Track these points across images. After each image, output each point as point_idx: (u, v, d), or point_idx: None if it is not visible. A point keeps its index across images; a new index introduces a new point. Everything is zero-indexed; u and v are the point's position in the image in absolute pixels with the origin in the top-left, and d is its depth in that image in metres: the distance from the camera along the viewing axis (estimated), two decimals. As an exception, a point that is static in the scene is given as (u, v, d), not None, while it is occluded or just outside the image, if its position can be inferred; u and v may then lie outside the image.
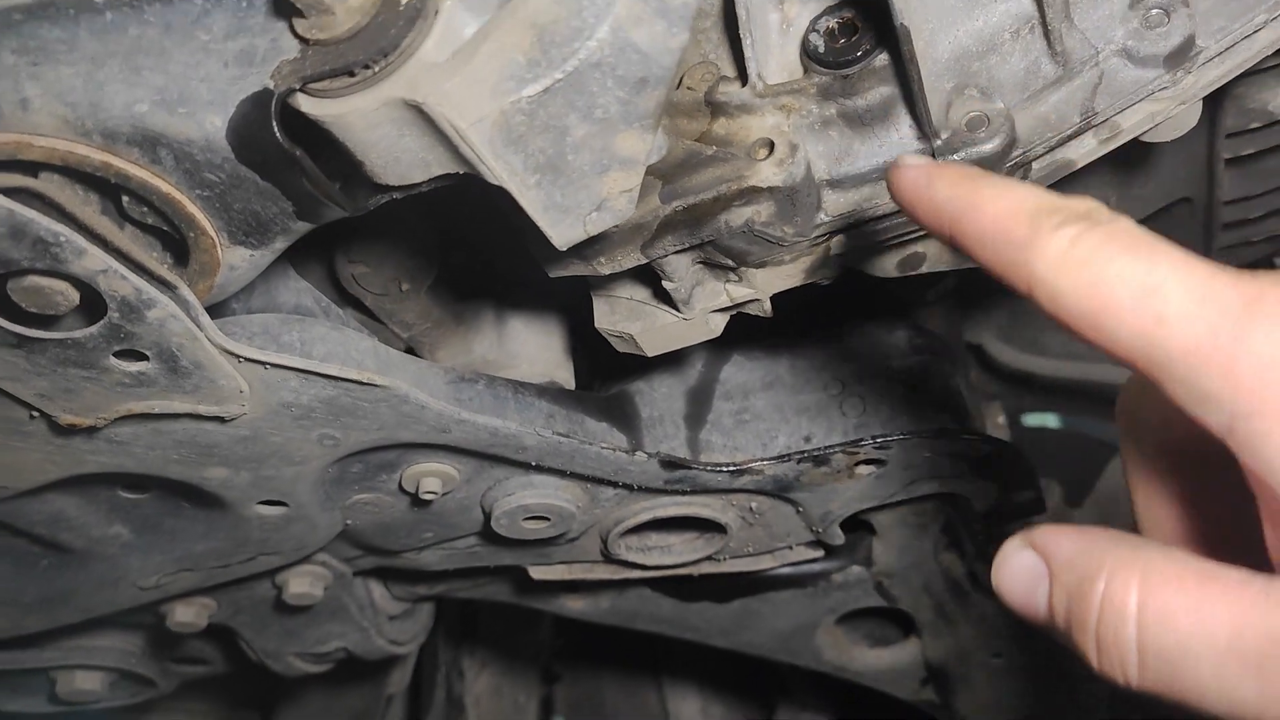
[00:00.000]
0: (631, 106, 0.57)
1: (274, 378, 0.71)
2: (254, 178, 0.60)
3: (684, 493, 0.92)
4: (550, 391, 0.89)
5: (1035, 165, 0.70)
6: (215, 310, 0.75)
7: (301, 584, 1.00)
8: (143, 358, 0.66)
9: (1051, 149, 0.69)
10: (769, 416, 0.94)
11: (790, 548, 1.02)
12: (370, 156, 0.57)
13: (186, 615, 1.03)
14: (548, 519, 0.91)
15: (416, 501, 0.87)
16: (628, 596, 1.12)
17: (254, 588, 1.02)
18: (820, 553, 1.03)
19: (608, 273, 0.73)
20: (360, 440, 0.79)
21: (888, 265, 0.80)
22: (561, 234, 0.62)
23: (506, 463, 0.85)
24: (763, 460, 0.89)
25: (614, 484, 0.89)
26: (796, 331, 0.99)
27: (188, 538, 0.90)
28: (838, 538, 1.00)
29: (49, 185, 0.59)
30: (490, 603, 1.19)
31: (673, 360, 0.98)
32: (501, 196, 0.60)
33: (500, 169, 0.57)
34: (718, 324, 0.81)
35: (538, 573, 1.03)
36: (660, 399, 0.95)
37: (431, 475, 0.85)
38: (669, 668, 1.64)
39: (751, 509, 0.95)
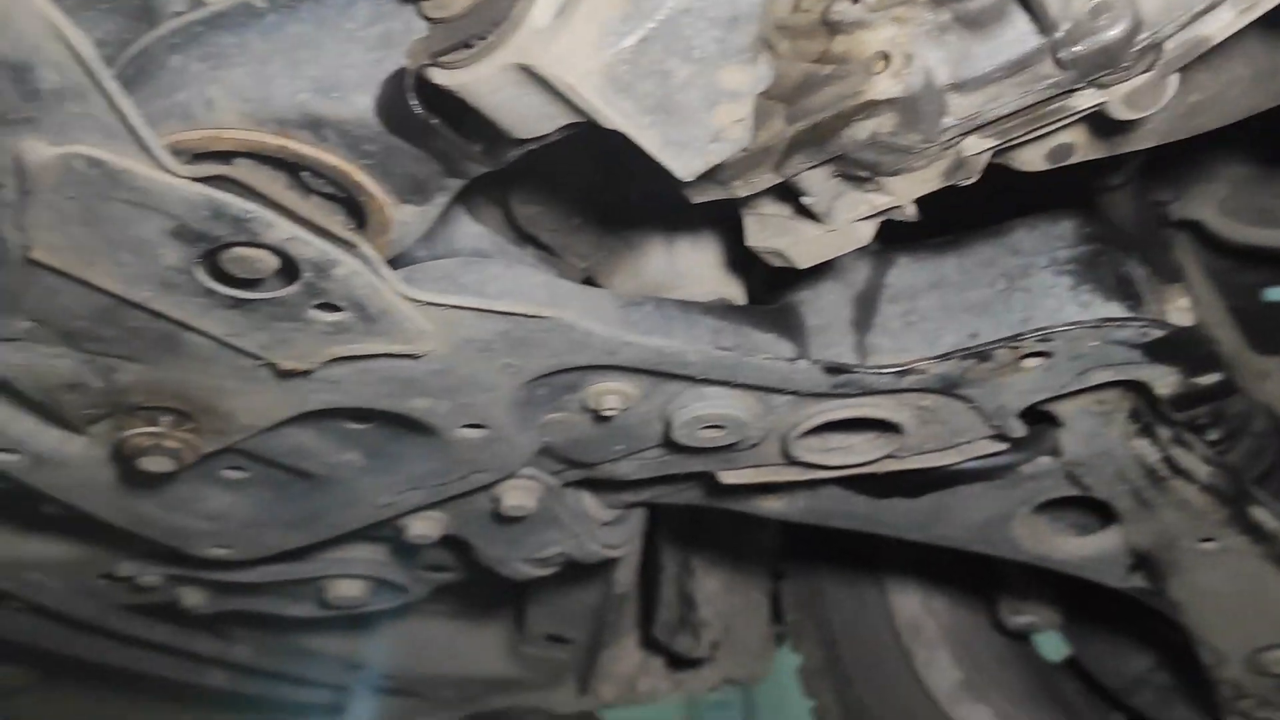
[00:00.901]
0: (727, 44, 0.60)
1: (453, 317, 0.80)
2: (405, 145, 0.68)
3: (852, 395, 0.95)
4: (717, 308, 0.94)
5: (1168, 46, 0.68)
6: (400, 260, 0.84)
7: (515, 497, 1.10)
8: (338, 309, 0.76)
9: (1183, 27, 0.67)
10: (935, 316, 0.95)
11: (971, 442, 1.04)
12: (500, 115, 0.64)
13: (421, 528, 1.16)
14: (723, 427, 0.96)
15: (600, 418, 0.95)
16: (820, 496, 1.16)
17: (475, 502, 1.14)
18: (1004, 445, 1.04)
19: (745, 194, 0.77)
20: (538, 366, 0.87)
21: (1034, 159, 0.80)
22: (683, 166, 0.67)
23: (676, 378, 0.91)
24: (924, 360, 0.91)
25: (782, 391, 0.94)
26: (964, 229, 1.00)
27: (409, 461, 1.02)
28: (1018, 430, 1.01)
29: (241, 170, 0.69)
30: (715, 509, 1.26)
31: (838, 268, 1.00)
32: (623, 139, 0.65)
33: (614, 115, 0.62)
34: (865, 232, 0.83)
35: (727, 477, 1.09)
36: (827, 307, 0.98)
37: (610, 393, 0.92)
38: (890, 563, 1.67)
39: (924, 407, 0.98)
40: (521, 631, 1.86)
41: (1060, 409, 1.02)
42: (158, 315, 0.76)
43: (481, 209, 0.97)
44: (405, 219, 0.76)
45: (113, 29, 0.74)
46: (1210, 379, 0.94)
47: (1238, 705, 1.26)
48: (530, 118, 0.64)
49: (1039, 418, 1.03)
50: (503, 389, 0.90)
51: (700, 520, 1.82)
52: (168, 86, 0.69)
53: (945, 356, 0.91)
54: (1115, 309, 0.90)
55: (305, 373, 0.83)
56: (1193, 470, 1.06)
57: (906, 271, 0.99)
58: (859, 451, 1.04)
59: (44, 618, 1.39)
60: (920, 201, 0.80)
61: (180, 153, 0.68)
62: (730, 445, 1.00)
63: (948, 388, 0.94)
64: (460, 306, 0.78)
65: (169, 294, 0.73)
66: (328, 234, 0.71)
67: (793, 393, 0.94)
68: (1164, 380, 0.94)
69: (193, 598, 1.38)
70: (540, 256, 1.01)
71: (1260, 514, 1.08)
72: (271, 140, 0.67)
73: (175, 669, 1.62)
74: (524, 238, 1.01)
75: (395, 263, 0.80)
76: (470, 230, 0.93)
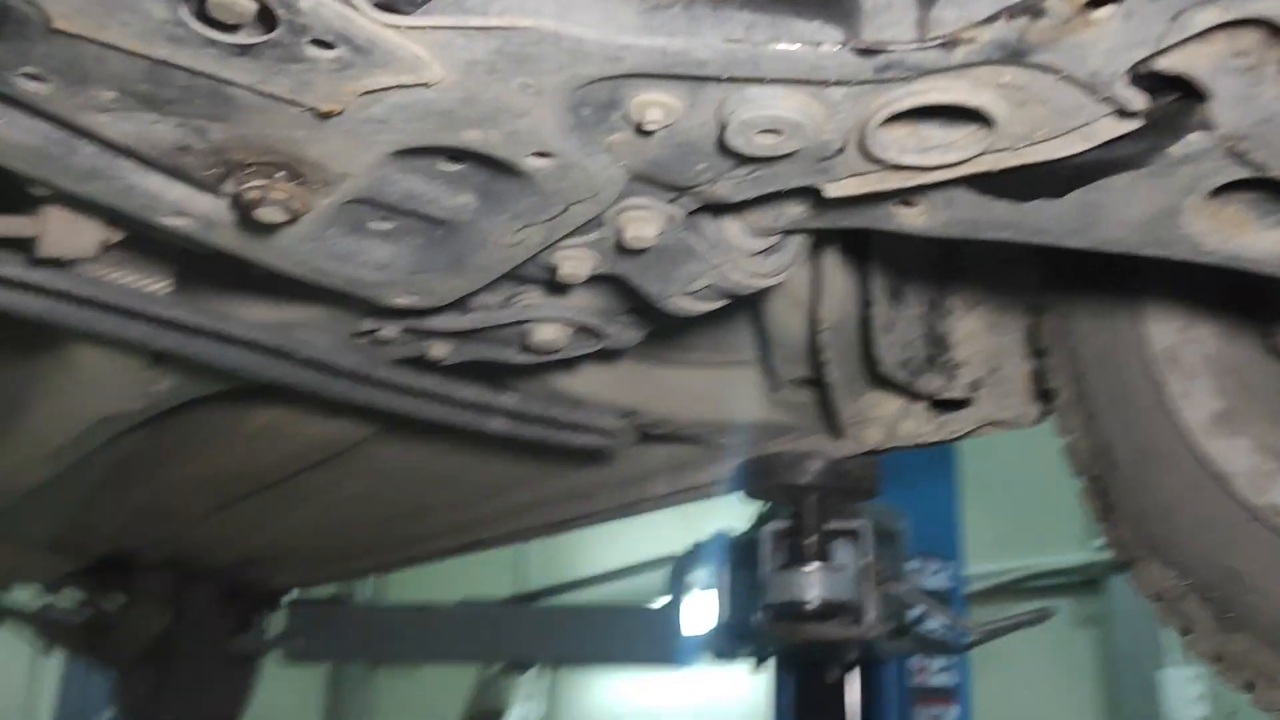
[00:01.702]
0: None
1: (442, 39, 0.82)
2: None
3: (910, 80, 0.86)
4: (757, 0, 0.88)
5: None
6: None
7: (633, 227, 1.12)
8: (330, 45, 0.81)
9: None
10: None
11: (1089, 124, 0.90)
12: None
13: (569, 268, 1.22)
14: (780, 132, 0.91)
15: (646, 132, 0.93)
16: (958, 204, 1.07)
17: (606, 238, 1.17)
18: (1135, 123, 0.90)
19: None
20: (554, 83, 0.87)
21: None
22: None
23: (707, 80, 0.87)
24: (968, 27, 0.80)
25: (828, 83, 0.87)
26: None
27: (511, 198, 1.06)
28: (1136, 101, 0.86)
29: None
30: (977, 243, 1.19)
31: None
32: None
33: None
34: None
35: (830, 190, 1.03)
36: (886, -22, 0.88)
37: (650, 104, 0.91)
38: (1148, 289, 1.50)
39: (1009, 84, 0.86)
40: (771, 378, 1.90)
41: (1193, 69, 0.86)
42: (190, 71, 0.84)
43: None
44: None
45: None
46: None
47: None
48: None
49: (1176, 85, 0.88)
50: (539, 111, 0.91)
51: (952, 256, 1.73)
52: None
53: (990, 19, 0.79)
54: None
55: (341, 113, 0.89)
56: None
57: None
58: (959, 147, 0.94)
59: (327, 373, 1.61)
60: None
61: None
62: (805, 151, 0.95)
63: (1018, 57, 0.82)
64: (439, 27, 0.80)
65: (182, 48, 0.82)
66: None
67: (840, 83, 0.87)
68: (1297, 12, 0.76)
69: (437, 349, 1.55)
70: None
71: None
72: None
73: (459, 417, 1.81)
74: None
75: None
76: None
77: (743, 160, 0.97)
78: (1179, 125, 0.91)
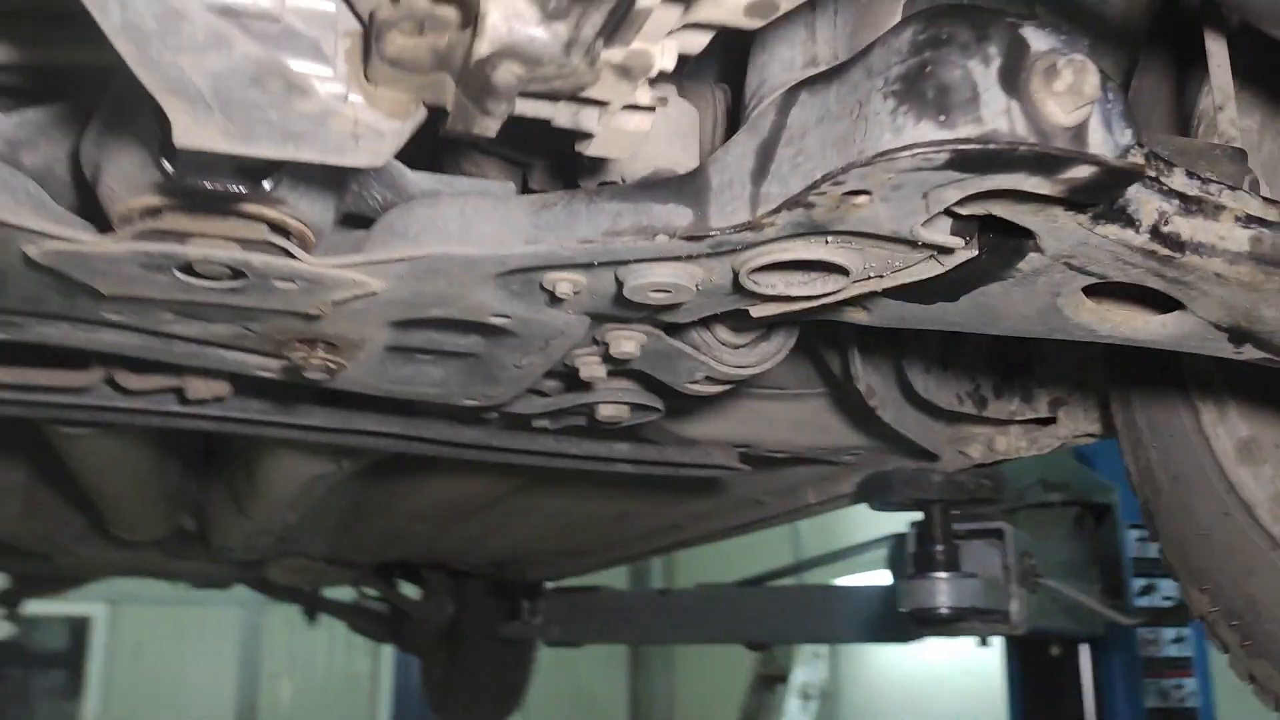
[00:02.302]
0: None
1: (364, 269, 1.05)
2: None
3: (746, 248, 1.00)
4: (624, 190, 1.05)
5: None
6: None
7: (619, 345, 1.30)
8: (291, 280, 1.06)
9: None
10: (814, 155, 0.95)
11: (915, 264, 1.01)
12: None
13: (585, 371, 1.42)
14: (666, 290, 1.08)
15: (556, 300, 1.12)
16: (883, 307, 1.18)
17: (602, 349, 1.36)
18: (964, 256, 1.00)
19: (487, 133, 0.90)
20: (470, 279, 1.08)
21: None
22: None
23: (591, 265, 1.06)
24: (763, 214, 0.93)
25: (677, 258, 1.03)
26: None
27: (502, 339, 1.28)
28: (956, 242, 0.97)
29: (179, 221, 1.01)
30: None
31: (751, 118, 1.03)
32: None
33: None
34: (635, 124, 0.90)
35: (755, 312, 1.18)
36: (733, 162, 1.02)
37: (558, 280, 1.09)
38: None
39: (831, 243, 0.99)
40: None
41: (1001, 213, 0.95)
42: (206, 304, 1.12)
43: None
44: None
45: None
46: (1083, 171, 0.82)
47: None
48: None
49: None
50: (475, 293, 1.12)
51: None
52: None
53: (775, 210, 0.93)
54: (925, 130, 0.84)
55: (326, 314, 1.14)
56: (1209, 244, 0.92)
57: (804, 108, 0.98)
58: (822, 284, 1.07)
59: (451, 446, 1.89)
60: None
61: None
62: (705, 292, 1.10)
63: (820, 229, 0.95)
64: (355, 264, 1.03)
65: (192, 291, 1.09)
66: (243, 241, 1.01)
67: (690, 258, 1.02)
68: (1030, 183, 0.85)
69: (539, 420, 1.80)
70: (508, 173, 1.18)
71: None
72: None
73: (587, 465, 2.06)
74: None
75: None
76: (418, 178, 1.13)
77: (651, 309, 1.14)
78: (1018, 249, 1.00)
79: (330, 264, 1.04)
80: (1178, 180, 0.92)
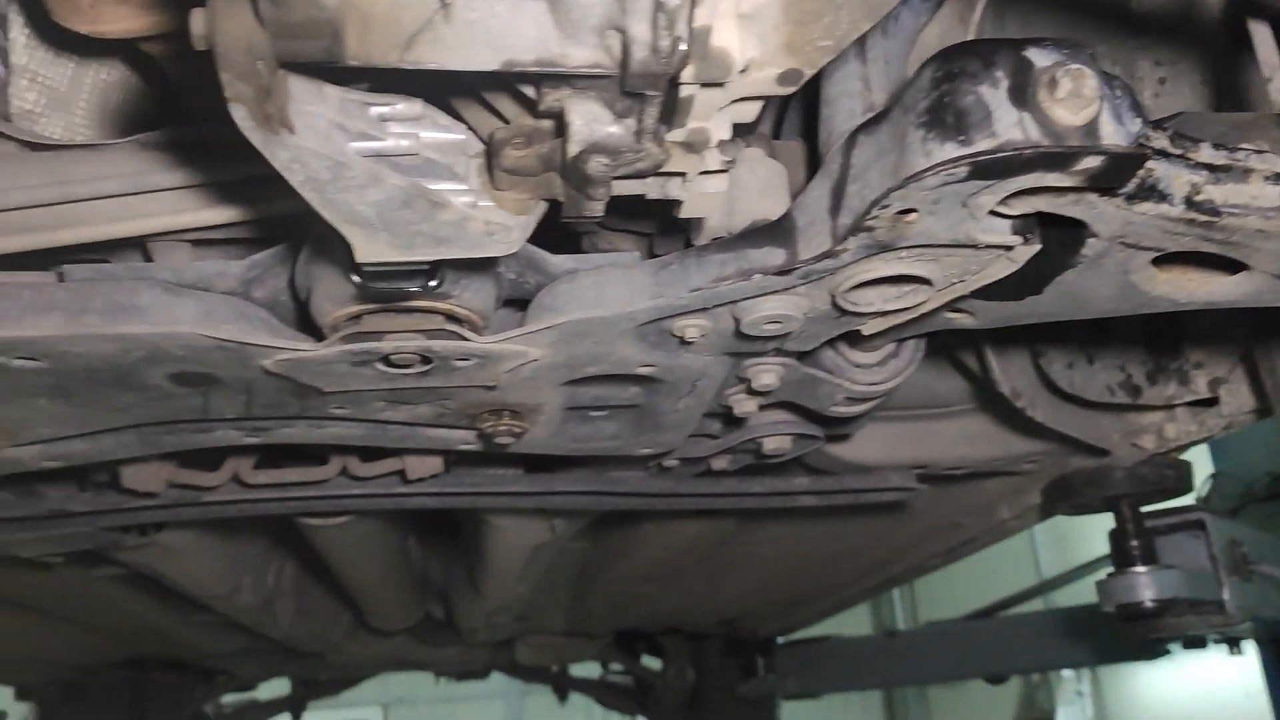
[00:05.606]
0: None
1: (523, 339, 1.26)
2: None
3: (834, 271, 1.16)
4: (726, 241, 1.23)
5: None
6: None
7: (758, 379, 1.48)
8: (467, 359, 1.29)
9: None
10: (875, 185, 1.10)
11: (988, 266, 1.14)
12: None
13: (743, 407, 1.59)
14: (778, 321, 1.24)
15: (685, 343, 1.30)
16: (984, 308, 1.31)
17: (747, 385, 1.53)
18: (1025, 254, 1.12)
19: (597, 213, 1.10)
20: (610, 335, 1.27)
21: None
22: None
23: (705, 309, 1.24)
24: (837, 246, 1.09)
25: (776, 291, 1.19)
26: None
27: (655, 385, 1.47)
28: (1015, 240, 1.09)
29: (372, 322, 1.26)
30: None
31: (823, 163, 1.20)
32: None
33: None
34: (713, 185, 1.09)
35: (866, 329, 1.32)
36: (812, 203, 1.18)
37: (686, 326, 1.28)
38: None
39: (906, 256, 1.13)
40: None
41: (1045, 208, 1.07)
42: (407, 388, 1.36)
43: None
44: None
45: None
46: (1093, 161, 0.95)
47: None
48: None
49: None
50: (619, 348, 1.32)
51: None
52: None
53: (845, 237, 1.08)
54: (949, 150, 0.98)
55: (501, 384, 1.36)
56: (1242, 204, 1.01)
57: (863, 148, 1.14)
58: (913, 295, 1.21)
59: (641, 498, 2.09)
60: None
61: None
62: (813, 319, 1.26)
63: (888, 248, 1.10)
64: (512, 337, 1.25)
65: (393, 380, 1.33)
66: (426, 331, 1.25)
67: (788, 290, 1.19)
68: (1051, 178, 0.98)
69: (717, 463, 1.97)
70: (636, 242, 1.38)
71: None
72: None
73: (772, 503, 2.21)
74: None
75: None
76: (559, 260, 1.34)
77: (771, 339, 1.31)
78: (1076, 238, 1.12)
79: (495, 340, 1.26)
80: (1204, 154, 1.02)
